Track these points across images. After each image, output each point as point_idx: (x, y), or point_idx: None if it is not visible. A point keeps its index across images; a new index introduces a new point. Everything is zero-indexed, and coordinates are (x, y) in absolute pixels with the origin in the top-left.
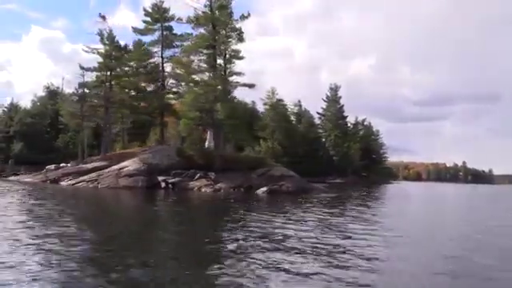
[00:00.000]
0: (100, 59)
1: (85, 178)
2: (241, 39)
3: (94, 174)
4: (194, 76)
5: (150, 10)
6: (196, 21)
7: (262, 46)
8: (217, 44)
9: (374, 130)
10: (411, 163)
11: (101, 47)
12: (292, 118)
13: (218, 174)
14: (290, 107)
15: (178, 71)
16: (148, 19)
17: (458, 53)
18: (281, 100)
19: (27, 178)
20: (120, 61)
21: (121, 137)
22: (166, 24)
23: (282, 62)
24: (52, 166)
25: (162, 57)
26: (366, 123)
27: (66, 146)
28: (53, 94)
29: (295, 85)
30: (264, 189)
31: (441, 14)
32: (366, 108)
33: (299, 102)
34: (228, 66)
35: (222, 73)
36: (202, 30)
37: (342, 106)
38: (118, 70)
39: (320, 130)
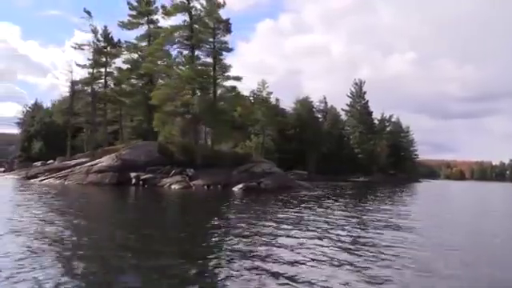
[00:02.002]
0: (90, 56)
1: (55, 174)
2: (227, 30)
3: (66, 171)
4: (168, 68)
5: (134, 4)
6: (170, 10)
7: (298, 44)
8: (193, 35)
9: (404, 126)
10: (454, 161)
11: (86, 44)
12: (319, 115)
13: (199, 170)
14: (315, 104)
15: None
16: (133, 13)
17: (506, 47)
18: (270, 93)
19: (12, 175)
20: (113, 57)
21: (120, 134)
22: (152, 17)
23: (318, 59)
24: (38, 163)
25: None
26: (394, 119)
27: (98, 145)
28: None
29: (333, 82)
30: (240, 186)
31: (486, 8)
32: (408, 105)
33: (324, 98)
34: (217, 58)
35: (211, 66)
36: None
37: (367, 101)
38: (113, 66)
39: (347, 128)
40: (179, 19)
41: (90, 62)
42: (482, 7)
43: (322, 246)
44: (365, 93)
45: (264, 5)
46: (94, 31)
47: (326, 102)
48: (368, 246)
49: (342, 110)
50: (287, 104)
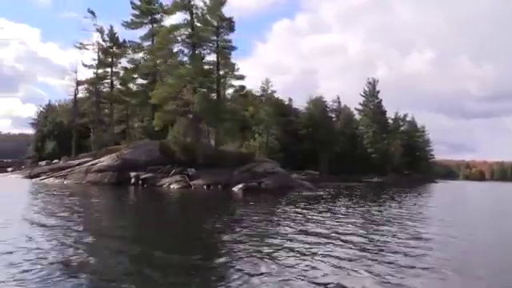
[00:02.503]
0: (95, 55)
1: (55, 173)
2: (231, 29)
3: (66, 170)
4: (168, 67)
5: (137, 3)
6: (169, 9)
7: (314, 43)
8: (194, 33)
9: (419, 125)
10: (473, 162)
11: (90, 44)
12: (332, 114)
13: (200, 170)
14: (329, 103)
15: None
16: (136, 12)
17: None
18: (274, 91)
19: (16, 174)
20: (119, 57)
21: (127, 134)
22: (155, 17)
23: (335, 59)
24: (43, 162)
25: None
26: (408, 118)
27: (105, 145)
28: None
29: (350, 82)
30: (240, 186)
31: (502, 5)
32: (426, 104)
33: (338, 98)
34: (225, 56)
35: (214, 65)
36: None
37: (381, 100)
38: (119, 66)
39: (361, 127)
40: (181, 18)
41: (95, 62)
42: (497, 4)
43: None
44: (378, 92)
45: (281, 4)
46: (100, 31)
47: (339, 102)
48: (353, 261)
49: (356, 109)
50: (302, 104)
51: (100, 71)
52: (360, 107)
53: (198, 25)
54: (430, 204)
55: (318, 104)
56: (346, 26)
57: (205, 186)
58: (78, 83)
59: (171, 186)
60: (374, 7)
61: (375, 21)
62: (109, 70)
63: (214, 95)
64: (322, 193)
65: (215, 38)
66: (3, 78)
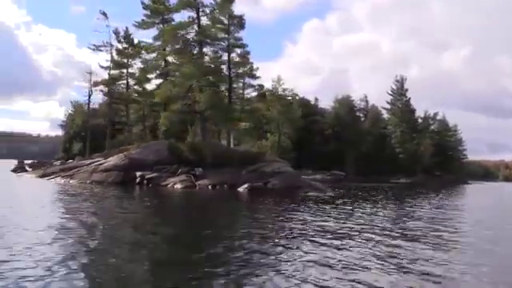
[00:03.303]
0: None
1: (63, 173)
2: (241, 26)
3: (74, 170)
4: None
5: (147, 3)
6: (175, 7)
7: (345, 43)
8: (200, 31)
9: (451, 124)
10: None
11: (103, 45)
12: (360, 114)
13: (208, 169)
14: (356, 103)
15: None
16: (147, 12)
17: None
18: (286, 89)
19: (31, 174)
20: (133, 57)
21: (144, 134)
22: (166, 16)
23: (366, 58)
24: (58, 162)
25: (164, 50)
26: (439, 117)
27: (121, 145)
28: None
29: (382, 81)
30: (245, 186)
31: None
32: (463, 103)
33: (365, 97)
34: (232, 55)
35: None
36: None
37: (409, 98)
38: (135, 67)
39: (390, 127)
40: (189, 16)
41: (108, 63)
42: None
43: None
44: (406, 90)
45: (311, 3)
46: (116, 32)
47: (366, 101)
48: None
49: (383, 108)
50: (329, 104)
51: (115, 72)
52: (388, 106)
53: (207, 23)
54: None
55: (344, 103)
56: (378, 25)
57: (209, 186)
58: (94, 84)
59: (175, 186)
60: (407, 5)
61: (408, 19)
62: (124, 70)
63: (225, 94)
64: (331, 194)
65: (226, 35)
66: (43, 83)
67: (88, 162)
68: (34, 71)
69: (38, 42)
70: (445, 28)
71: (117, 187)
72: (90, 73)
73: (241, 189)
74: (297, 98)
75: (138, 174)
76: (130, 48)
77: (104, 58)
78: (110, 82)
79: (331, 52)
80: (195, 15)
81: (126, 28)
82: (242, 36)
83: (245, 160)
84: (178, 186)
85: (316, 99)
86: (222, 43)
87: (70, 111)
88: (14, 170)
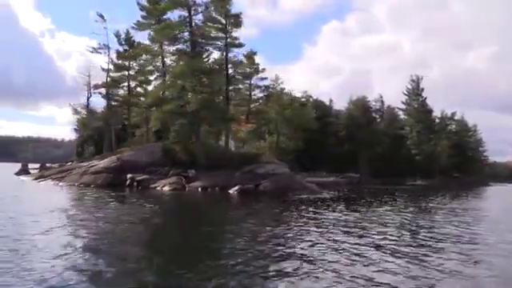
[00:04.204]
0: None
1: (55, 175)
2: (237, 25)
3: (67, 172)
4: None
5: (144, 4)
6: (165, 7)
7: (366, 43)
8: (192, 30)
9: (471, 124)
10: None
11: (102, 47)
12: (376, 115)
13: (201, 171)
14: (372, 103)
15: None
16: (144, 14)
17: None
18: (283, 89)
19: (27, 177)
20: (133, 60)
21: (144, 137)
22: (162, 17)
23: (388, 59)
24: (56, 165)
25: (161, 50)
26: (457, 117)
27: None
28: None
29: (404, 82)
30: (235, 188)
31: None
32: (486, 103)
33: (380, 97)
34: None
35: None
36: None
37: (425, 98)
38: (137, 69)
39: (407, 128)
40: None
41: (108, 65)
42: None
43: None
44: (422, 89)
45: (329, 5)
46: (117, 35)
47: (382, 101)
48: None
49: (398, 108)
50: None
51: (116, 75)
52: (403, 106)
53: (201, 22)
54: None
55: (359, 104)
56: (399, 25)
57: (199, 189)
58: (95, 87)
59: (164, 189)
60: (428, 5)
61: (429, 18)
62: (126, 73)
63: (223, 95)
64: (327, 196)
65: (222, 35)
66: (67, 89)
67: (85, 164)
68: (58, 77)
69: (61, 48)
70: (467, 28)
71: (103, 189)
72: (89, 75)
73: (231, 191)
74: (310, 99)
75: (129, 176)
76: (130, 50)
77: (104, 61)
78: (111, 84)
79: (351, 53)
80: (187, 14)
81: (127, 30)
82: (243, 35)
83: (241, 161)
84: (166, 188)
85: (330, 100)
86: (218, 43)
87: (83, 115)
88: (18, 173)
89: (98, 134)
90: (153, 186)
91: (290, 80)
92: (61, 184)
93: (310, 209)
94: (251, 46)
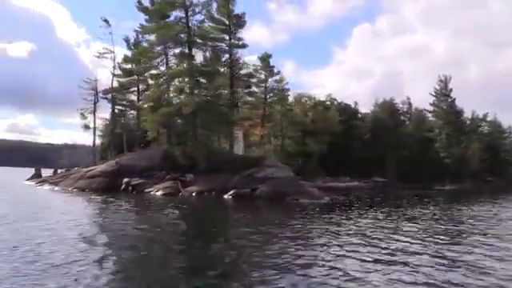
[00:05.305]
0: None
1: (52, 179)
2: (240, 26)
3: (64, 177)
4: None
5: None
6: (162, 6)
7: (397, 45)
8: (189, 31)
9: (506, 126)
10: None
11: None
12: (404, 117)
13: (200, 175)
14: (399, 105)
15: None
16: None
17: None
18: (287, 89)
19: (31, 181)
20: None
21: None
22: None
23: (420, 60)
24: (63, 170)
25: (165, 54)
26: (489, 118)
27: None
28: None
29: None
30: (231, 192)
31: None
32: None
33: (408, 99)
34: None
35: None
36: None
37: (454, 99)
38: (146, 74)
39: (436, 130)
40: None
41: (115, 70)
42: None
43: None
44: (451, 90)
45: (360, 7)
46: (126, 40)
47: (409, 103)
48: None
49: (425, 110)
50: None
51: (124, 80)
52: (431, 108)
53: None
54: None
55: (385, 107)
56: (430, 26)
57: (194, 193)
58: (104, 92)
59: (157, 193)
60: (459, 5)
61: (462, 18)
62: (134, 77)
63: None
64: (324, 201)
65: (225, 36)
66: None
67: (87, 169)
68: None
69: (96, 58)
70: (503, 27)
71: (96, 193)
72: (96, 80)
73: (226, 196)
74: (335, 102)
75: (125, 180)
76: (137, 54)
77: (111, 66)
78: (118, 89)
79: (382, 55)
80: (184, 15)
81: (136, 34)
82: (269, 39)
83: (243, 165)
84: (160, 193)
85: (356, 103)
86: (221, 44)
87: (107, 121)
88: (31, 178)
89: (119, 139)
90: (147, 190)
91: (321, 84)
92: (56, 188)
93: (298, 221)
94: (281, 51)
